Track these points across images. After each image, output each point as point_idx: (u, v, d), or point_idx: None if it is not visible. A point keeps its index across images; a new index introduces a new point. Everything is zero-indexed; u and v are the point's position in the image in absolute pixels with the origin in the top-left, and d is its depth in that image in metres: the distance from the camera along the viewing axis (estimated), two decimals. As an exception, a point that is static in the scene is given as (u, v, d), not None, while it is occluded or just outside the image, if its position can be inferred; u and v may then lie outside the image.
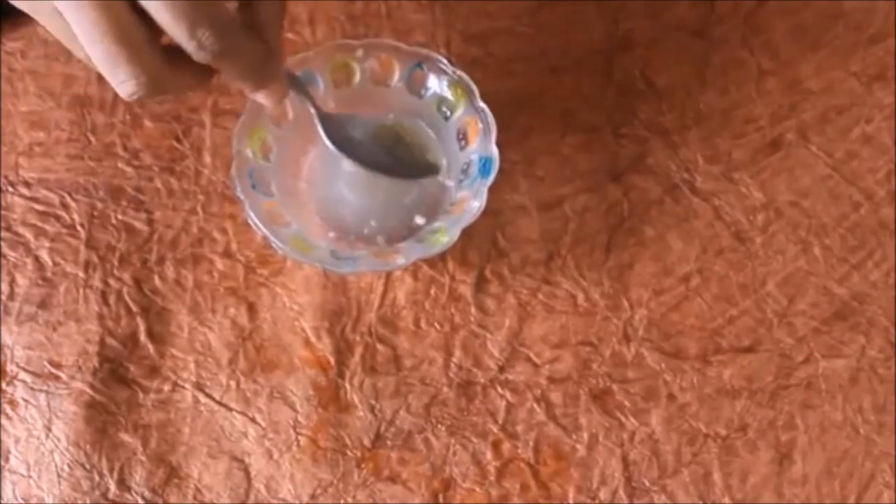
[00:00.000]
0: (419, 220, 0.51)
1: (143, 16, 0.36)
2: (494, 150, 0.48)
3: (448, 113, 0.51)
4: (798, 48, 0.56)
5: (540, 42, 0.56)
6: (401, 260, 0.47)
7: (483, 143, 0.49)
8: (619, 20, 0.57)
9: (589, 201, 0.54)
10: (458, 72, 0.49)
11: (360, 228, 0.52)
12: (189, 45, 0.36)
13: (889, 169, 0.54)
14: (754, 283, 0.52)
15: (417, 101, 0.51)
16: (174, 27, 0.36)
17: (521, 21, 0.56)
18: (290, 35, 0.56)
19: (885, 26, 0.56)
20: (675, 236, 0.53)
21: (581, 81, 0.56)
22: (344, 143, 0.47)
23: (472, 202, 0.47)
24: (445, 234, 0.47)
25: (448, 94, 0.50)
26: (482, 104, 0.49)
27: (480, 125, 0.49)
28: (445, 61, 0.49)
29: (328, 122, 0.47)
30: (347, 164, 0.47)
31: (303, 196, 0.53)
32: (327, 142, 0.46)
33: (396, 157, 0.50)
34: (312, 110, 0.46)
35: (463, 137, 0.50)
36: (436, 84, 0.50)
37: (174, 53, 0.37)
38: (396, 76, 0.51)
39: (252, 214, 0.47)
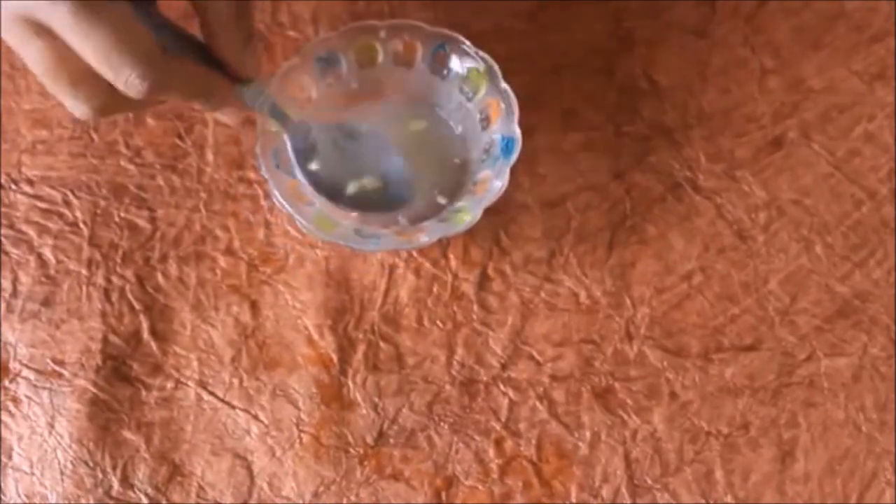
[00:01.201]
0: (441, 200, 0.51)
1: None
2: (517, 131, 0.48)
3: (470, 94, 0.51)
4: (800, 47, 0.56)
5: (542, 41, 0.56)
6: (424, 238, 0.47)
7: (505, 124, 0.49)
8: (621, 19, 0.57)
9: (591, 199, 0.54)
10: (481, 53, 0.49)
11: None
12: (119, 86, 0.37)
13: (891, 167, 0.54)
14: (756, 282, 0.52)
15: (440, 81, 0.51)
16: (101, 71, 0.37)
17: (523, 20, 0.57)
18: (292, 33, 0.56)
19: (886, 25, 0.56)
20: (677, 234, 0.53)
21: (583, 80, 0.56)
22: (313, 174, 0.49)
23: (495, 182, 0.48)
24: (468, 214, 0.47)
25: (470, 74, 0.50)
26: (505, 85, 0.49)
27: (503, 106, 0.49)
28: (468, 43, 0.49)
29: (298, 135, 0.48)
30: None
31: None
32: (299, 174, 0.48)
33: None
34: (289, 144, 0.47)
35: (485, 118, 0.50)
36: (458, 65, 0.51)
37: None
38: (419, 57, 0.51)
39: (277, 193, 0.47)
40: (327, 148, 0.49)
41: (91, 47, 0.36)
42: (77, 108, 0.38)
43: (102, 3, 0.35)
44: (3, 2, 0.36)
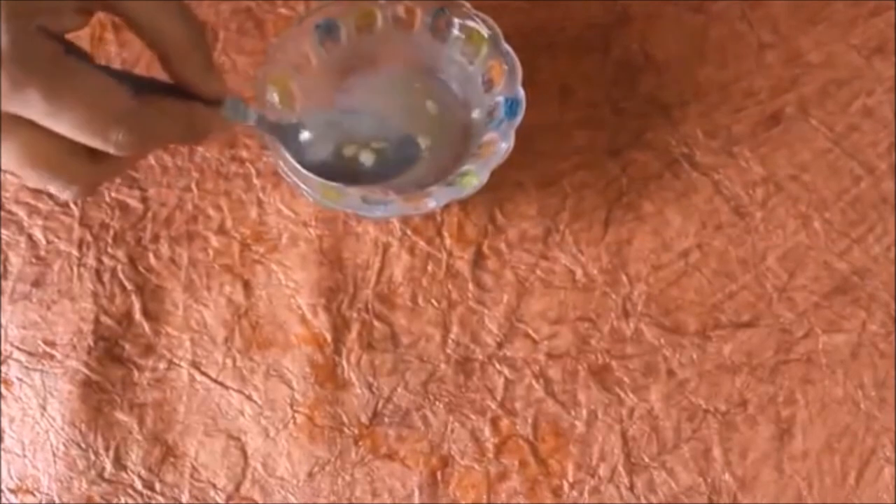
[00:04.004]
0: (448, 164, 0.51)
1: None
2: (520, 92, 0.48)
3: (472, 57, 0.51)
4: (798, 21, 0.55)
5: (537, 18, 0.56)
6: (432, 203, 0.47)
7: (509, 85, 0.49)
8: (617, -5, 0.56)
9: (587, 177, 0.53)
10: (482, 15, 0.49)
11: None
12: (107, 149, 0.36)
13: (890, 142, 0.53)
14: (754, 258, 0.52)
15: (441, 45, 0.51)
16: (88, 140, 0.35)
17: (519, -4, 0.56)
18: (283, 10, 0.56)
19: (885, -1, 0.56)
20: (674, 211, 0.53)
21: (579, 57, 0.55)
22: (301, 151, 0.47)
23: (501, 144, 0.47)
24: (475, 177, 0.47)
25: (472, 37, 0.50)
26: (506, 46, 0.49)
27: (505, 67, 0.49)
28: (468, 5, 0.49)
29: (286, 135, 0.46)
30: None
31: None
32: (297, 169, 0.47)
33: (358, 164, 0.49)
34: (271, 133, 0.46)
35: (488, 80, 0.50)
36: (459, 28, 0.50)
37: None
38: (419, 21, 0.51)
39: (281, 163, 0.47)
40: (324, 133, 0.48)
41: (71, 122, 0.34)
42: (64, 191, 0.37)
43: (70, 74, 0.34)
44: None
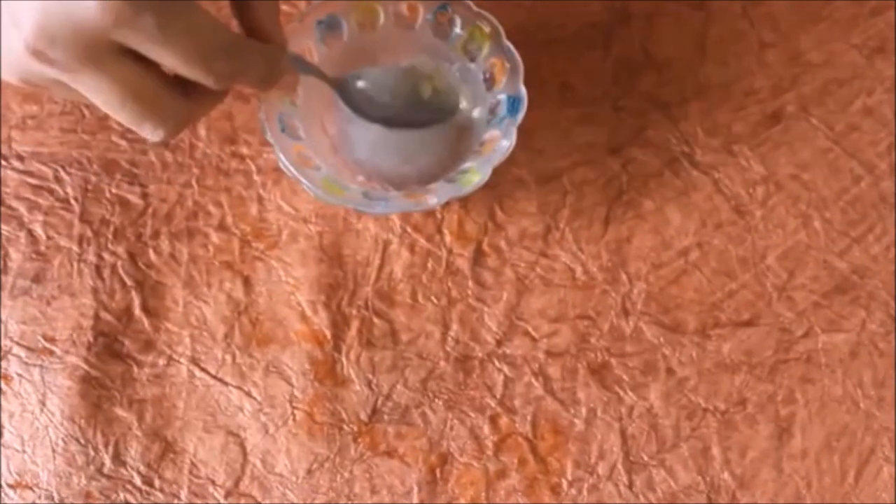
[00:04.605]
0: (449, 161, 0.51)
1: (150, 64, 0.36)
2: (522, 89, 0.48)
3: (474, 54, 0.50)
4: (799, 20, 0.55)
5: (538, 14, 0.56)
6: (433, 200, 0.47)
7: (510, 83, 0.49)
8: (618, -8, 0.56)
9: (587, 174, 0.53)
10: (484, 12, 0.49)
11: (390, 171, 0.52)
12: (207, 81, 0.36)
13: (890, 142, 0.53)
14: (754, 257, 0.52)
15: (442, 42, 0.51)
16: (190, 71, 0.36)
17: (520, -7, 0.56)
18: (285, 7, 0.56)
19: (886, -2, 0.56)
20: (674, 209, 0.53)
21: (579, 54, 0.55)
22: (363, 105, 0.49)
23: (502, 141, 0.47)
24: (477, 174, 0.47)
25: (474, 34, 0.50)
26: (508, 43, 0.49)
27: (507, 65, 0.49)
28: (471, 2, 0.49)
29: (344, 88, 0.48)
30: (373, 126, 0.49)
31: (330, 141, 0.52)
32: (348, 110, 0.49)
33: (417, 104, 0.51)
34: (329, 86, 0.48)
35: (490, 78, 0.50)
36: (461, 25, 0.50)
37: (186, 84, 0.37)
38: (421, 18, 0.51)
39: (283, 158, 0.47)
40: (380, 85, 0.50)
41: (180, 51, 0.35)
42: (156, 131, 0.37)
43: (181, 5, 0.34)
44: (78, 29, 0.33)
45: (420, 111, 0.51)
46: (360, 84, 0.49)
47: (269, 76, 0.41)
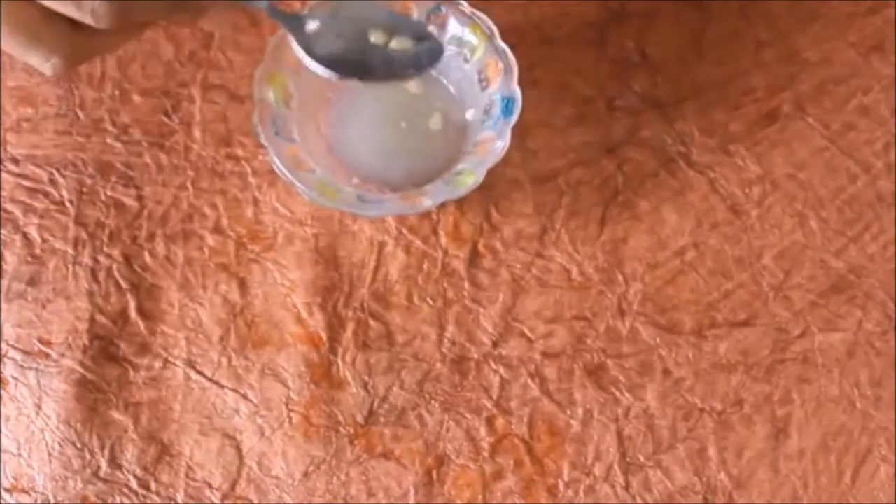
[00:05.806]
0: (444, 162, 0.51)
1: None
2: (517, 90, 0.48)
3: (468, 55, 0.50)
4: (796, 18, 0.55)
5: (533, 14, 0.55)
6: (428, 202, 0.47)
7: (505, 84, 0.48)
8: (614, -9, 0.56)
9: (583, 174, 0.53)
10: (478, 13, 0.49)
11: (385, 173, 0.51)
12: (86, 19, 0.35)
13: (887, 140, 0.53)
14: (750, 257, 0.52)
15: None
16: (63, 7, 0.35)
17: (515, -7, 0.56)
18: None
19: (883, -4, 0.55)
20: (670, 209, 0.52)
21: (575, 53, 0.55)
22: (314, 45, 0.45)
23: (497, 142, 0.47)
24: (471, 176, 0.47)
25: (468, 35, 0.50)
26: (502, 44, 0.48)
27: (501, 65, 0.49)
28: (465, 3, 0.49)
29: (297, 27, 0.44)
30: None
31: (325, 143, 0.52)
32: (307, 60, 0.44)
33: (370, 50, 0.47)
34: (285, 30, 0.44)
35: (484, 79, 0.50)
36: (455, 26, 0.50)
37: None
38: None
39: (277, 160, 0.47)
40: (334, 25, 0.46)
41: None
42: (46, 64, 0.37)
43: None
44: None
45: (377, 59, 0.47)
46: (312, 25, 0.45)
47: (177, 8, 0.38)
